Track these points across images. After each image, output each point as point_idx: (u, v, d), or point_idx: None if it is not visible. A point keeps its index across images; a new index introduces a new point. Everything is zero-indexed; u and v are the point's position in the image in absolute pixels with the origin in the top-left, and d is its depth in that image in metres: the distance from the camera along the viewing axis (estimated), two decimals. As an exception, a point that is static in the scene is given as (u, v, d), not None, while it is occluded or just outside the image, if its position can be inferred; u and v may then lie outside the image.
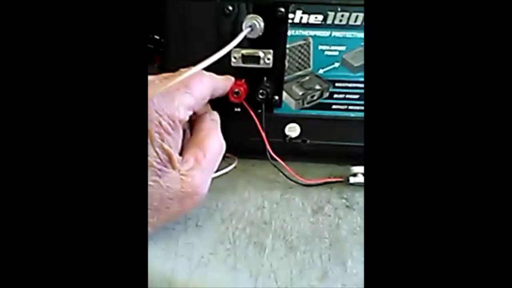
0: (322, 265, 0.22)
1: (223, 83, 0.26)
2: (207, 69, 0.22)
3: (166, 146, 0.20)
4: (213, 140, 0.23)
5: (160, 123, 0.20)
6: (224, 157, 0.24)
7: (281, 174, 0.29)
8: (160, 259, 0.22)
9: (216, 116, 0.25)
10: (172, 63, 0.28)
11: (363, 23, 0.26)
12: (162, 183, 0.20)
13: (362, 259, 0.22)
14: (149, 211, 0.20)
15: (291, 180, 0.29)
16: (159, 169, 0.20)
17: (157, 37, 0.36)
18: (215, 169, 0.23)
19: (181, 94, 0.21)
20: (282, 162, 0.28)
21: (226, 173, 0.28)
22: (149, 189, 0.20)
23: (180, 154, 0.22)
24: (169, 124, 0.20)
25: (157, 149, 0.20)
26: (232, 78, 0.26)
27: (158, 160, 0.20)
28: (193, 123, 0.25)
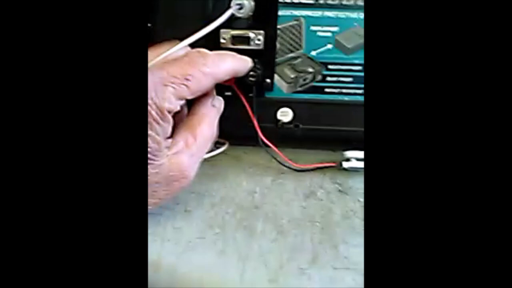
0: (313, 248, 0.21)
1: (240, 65, 0.25)
2: (192, 45, 0.21)
3: (155, 135, 0.20)
4: (206, 126, 0.23)
5: (149, 112, 0.19)
6: (216, 143, 0.24)
7: (273, 159, 0.28)
8: (147, 244, 0.21)
9: (218, 102, 0.24)
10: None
11: (356, 2, 0.26)
12: (150, 170, 0.20)
13: (354, 242, 0.22)
14: None
15: (283, 165, 0.28)
16: (148, 158, 0.19)
17: (149, 24, 0.35)
18: (204, 154, 0.23)
19: (177, 85, 0.20)
20: (274, 148, 0.28)
21: (214, 156, 0.28)
22: None
23: (171, 136, 0.21)
24: (158, 114, 0.20)
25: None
26: (249, 60, 0.25)
27: (148, 149, 0.19)
28: (193, 102, 0.24)
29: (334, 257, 0.21)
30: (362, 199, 0.25)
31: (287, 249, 0.21)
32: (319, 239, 0.22)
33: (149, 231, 0.22)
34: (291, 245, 0.21)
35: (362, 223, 0.23)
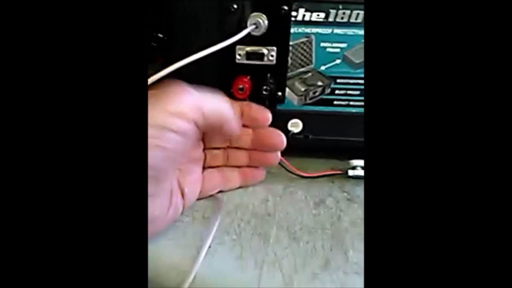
0: (324, 254, 0.23)
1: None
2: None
3: None
4: None
5: None
6: None
7: (283, 168, 0.30)
8: (168, 249, 0.23)
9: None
10: (176, 61, 0.29)
11: (363, 20, 0.27)
12: None
13: (363, 249, 0.23)
14: None
15: (294, 174, 0.30)
16: None
17: (160, 35, 0.36)
18: None
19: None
20: (284, 158, 0.29)
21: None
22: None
23: None
24: None
25: None
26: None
27: None
28: None
29: (344, 263, 0.22)
30: (369, 207, 0.27)
31: (300, 255, 0.22)
32: (330, 246, 0.23)
33: (170, 237, 0.23)
34: (304, 251, 0.23)
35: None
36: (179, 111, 0.20)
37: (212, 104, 0.22)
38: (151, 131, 0.19)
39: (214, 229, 0.23)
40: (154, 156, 0.19)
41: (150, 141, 0.19)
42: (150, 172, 0.19)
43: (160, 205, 0.22)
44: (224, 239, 0.23)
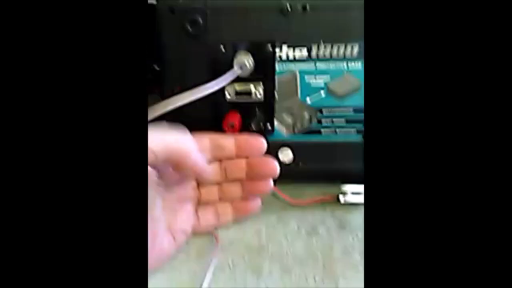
0: (316, 286, 0.23)
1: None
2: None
3: None
4: None
5: None
6: None
7: (276, 197, 0.31)
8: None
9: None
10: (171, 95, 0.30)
11: (345, 54, 0.29)
12: None
13: (353, 277, 0.24)
14: None
15: (286, 202, 0.31)
16: None
17: (155, 66, 0.38)
18: None
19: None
20: (276, 187, 0.30)
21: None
22: None
23: None
24: None
25: None
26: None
27: None
28: None
29: (335, 294, 0.23)
30: (360, 234, 0.28)
31: (292, 287, 0.23)
32: (321, 276, 0.24)
33: (165, 276, 0.24)
34: (295, 283, 0.24)
35: (360, 257, 0.25)
36: None
37: (174, 136, 0.22)
38: None
39: (210, 269, 0.24)
40: None
41: None
42: None
43: None
44: (218, 276, 0.24)
